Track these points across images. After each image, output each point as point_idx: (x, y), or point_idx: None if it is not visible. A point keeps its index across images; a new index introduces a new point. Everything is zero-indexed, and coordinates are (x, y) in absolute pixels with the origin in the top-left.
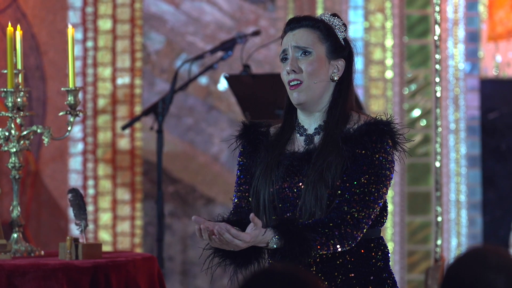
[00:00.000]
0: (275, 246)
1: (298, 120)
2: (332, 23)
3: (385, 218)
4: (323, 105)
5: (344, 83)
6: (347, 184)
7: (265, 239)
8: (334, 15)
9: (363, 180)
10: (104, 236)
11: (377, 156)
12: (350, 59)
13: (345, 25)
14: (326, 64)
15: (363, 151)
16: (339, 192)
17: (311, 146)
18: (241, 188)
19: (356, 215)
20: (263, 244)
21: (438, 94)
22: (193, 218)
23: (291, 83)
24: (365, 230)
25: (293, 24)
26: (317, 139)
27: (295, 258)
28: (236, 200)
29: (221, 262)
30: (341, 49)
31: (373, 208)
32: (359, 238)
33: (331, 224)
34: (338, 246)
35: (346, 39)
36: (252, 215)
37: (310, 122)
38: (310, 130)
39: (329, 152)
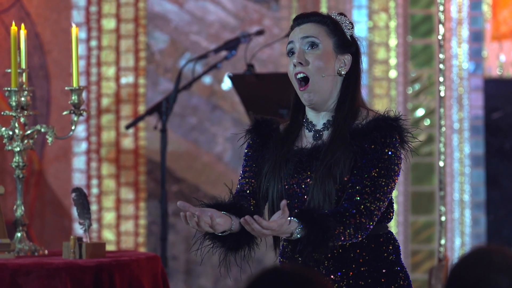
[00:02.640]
0: (299, 236)
1: (307, 116)
2: (339, 20)
3: (391, 214)
4: (332, 101)
5: (352, 79)
6: (358, 177)
7: (290, 229)
8: (341, 14)
9: (373, 173)
10: (108, 235)
11: (386, 150)
12: (357, 56)
13: (352, 24)
14: (333, 58)
15: (373, 146)
16: (350, 184)
17: (319, 142)
18: (245, 175)
19: (369, 205)
20: (286, 234)
21: (442, 94)
22: (179, 204)
23: (298, 76)
24: (375, 223)
25: (301, 19)
26: (325, 134)
27: (317, 247)
28: (238, 186)
29: (212, 245)
30: (348, 45)
31: (383, 202)
32: (369, 231)
33: (347, 214)
34: (352, 236)
35: (353, 37)
36: (284, 202)
37: (318, 117)
38: (319, 126)
39: (337, 147)
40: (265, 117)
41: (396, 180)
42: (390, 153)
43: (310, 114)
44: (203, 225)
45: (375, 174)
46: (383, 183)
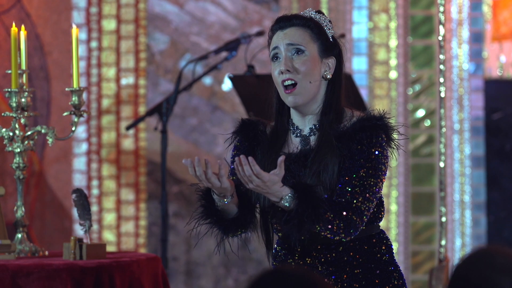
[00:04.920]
0: (287, 205)
1: (292, 120)
2: (320, 21)
3: (382, 213)
4: (317, 105)
5: (337, 82)
6: (347, 178)
7: (280, 193)
8: (319, 12)
9: (361, 173)
10: (108, 236)
11: (373, 150)
12: (339, 57)
13: (331, 22)
14: (319, 63)
15: (359, 147)
16: (339, 186)
17: (307, 148)
18: (233, 177)
19: (360, 205)
20: (275, 197)
21: (443, 95)
22: (184, 161)
23: (285, 83)
24: (364, 223)
25: (283, 22)
26: (312, 139)
27: (303, 222)
28: None
29: (209, 224)
30: (332, 47)
31: (372, 202)
32: (358, 231)
33: (340, 205)
34: (341, 231)
35: (334, 37)
36: (281, 158)
37: (304, 122)
38: (305, 131)
39: (325, 153)
40: (251, 118)
41: (384, 179)
42: (377, 152)
43: (296, 118)
44: (210, 173)
45: (364, 174)
46: (372, 183)
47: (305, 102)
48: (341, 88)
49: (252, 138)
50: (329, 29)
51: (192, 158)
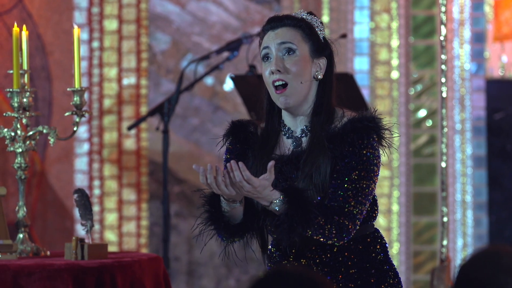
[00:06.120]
0: (277, 209)
1: (283, 121)
2: (311, 22)
3: (376, 212)
4: (308, 106)
5: (328, 82)
6: (339, 181)
7: (270, 197)
8: (310, 13)
9: (353, 176)
10: (110, 236)
11: (364, 152)
12: (331, 58)
13: (322, 23)
14: (310, 63)
15: (351, 149)
16: (331, 189)
17: (298, 149)
18: None
19: (352, 209)
20: (265, 202)
21: (444, 95)
22: (194, 166)
23: (276, 83)
24: (357, 227)
25: (274, 23)
26: (304, 141)
27: (293, 227)
28: None
29: (216, 230)
30: (323, 48)
31: (365, 204)
32: (352, 235)
33: (331, 210)
34: (333, 236)
35: (325, 38)
36: (271, 163)
37: (295, 123)
38: (297, 132)
39: (316, 155)
40: (241, 120)
41: (376, 180)
42: (368, 154)
43: (287, 119)
44: (220, 180)
45: (356, 177)
46: (364, 185)
47: (296, 103)
48: (332, 88)
49: (243, 140)
50: (321, 30)
51: (194, 158)
